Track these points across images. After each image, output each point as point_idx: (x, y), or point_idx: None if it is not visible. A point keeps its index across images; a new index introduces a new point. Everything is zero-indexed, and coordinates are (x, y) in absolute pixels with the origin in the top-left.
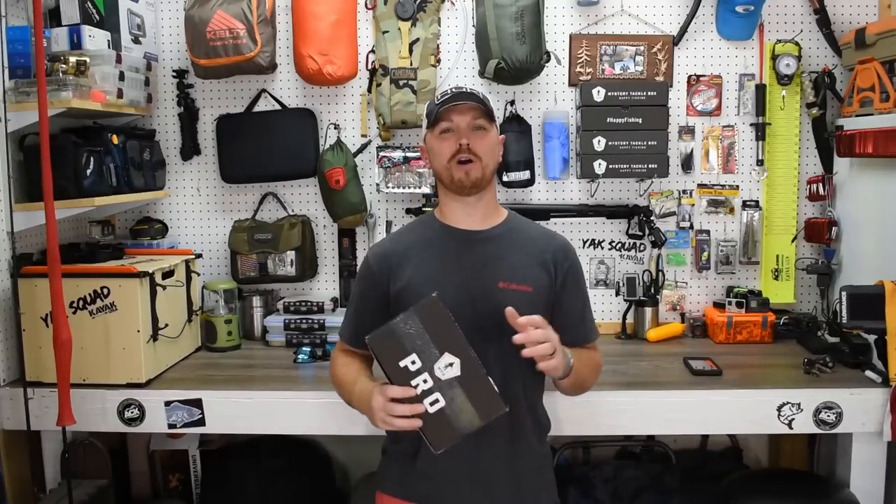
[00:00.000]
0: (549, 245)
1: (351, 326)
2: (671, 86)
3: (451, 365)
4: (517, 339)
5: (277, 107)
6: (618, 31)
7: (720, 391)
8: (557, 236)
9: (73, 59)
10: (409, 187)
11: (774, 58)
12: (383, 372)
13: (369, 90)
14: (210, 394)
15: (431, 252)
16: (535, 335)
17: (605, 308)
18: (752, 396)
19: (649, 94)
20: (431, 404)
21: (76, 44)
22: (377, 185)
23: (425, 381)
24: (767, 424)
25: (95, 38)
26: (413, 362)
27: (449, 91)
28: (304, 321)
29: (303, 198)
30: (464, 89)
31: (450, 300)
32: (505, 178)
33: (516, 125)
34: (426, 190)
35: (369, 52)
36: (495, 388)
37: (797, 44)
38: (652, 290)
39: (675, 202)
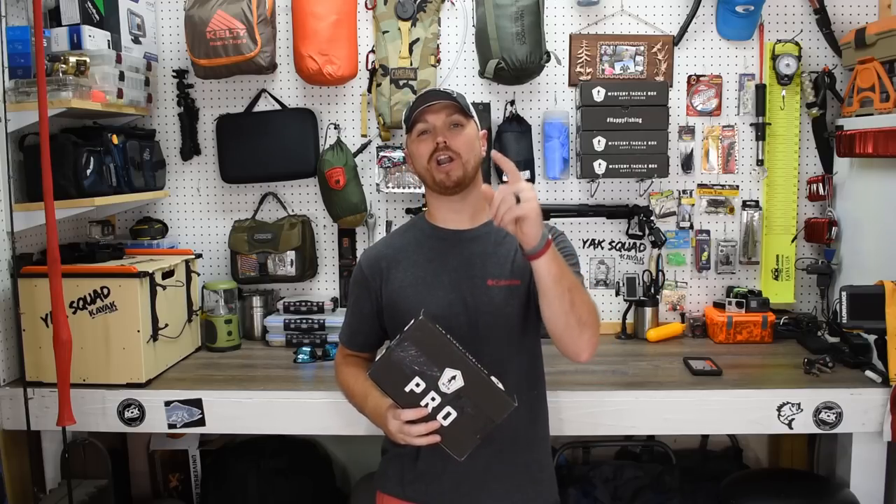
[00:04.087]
0: None
1: (350, 331)
2: (671, 86)
3: (453, 378)
4: (494, 155)
5: (277, 107)
6: (618, 31)
7: (720, 391)
8: None
9: (73, 59)
10: (409, 187)
11: (774, 58)
12: (392, 399)
13: (369, 90)
14: (210, 394)
15: (420, 254)
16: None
17: (605, 308)
18: (752, 396)
19: (649, 94)
20: (444, 417)
21: (76, 44)
22: (377, 185)
23: (433, 399)
24: (767, 424)
25: (95, 38)
26: (417, 384)
27: (422, 94)
28: (304, 321)
29: (303, 198)
30: (438, 90)
31: (440, 302)
32: (505, 178)
33: (516, 125)
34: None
35: (369, 52)
36: (500, 386)
37: (797, 44)
38: (652, 290)
39: (675, 202)
